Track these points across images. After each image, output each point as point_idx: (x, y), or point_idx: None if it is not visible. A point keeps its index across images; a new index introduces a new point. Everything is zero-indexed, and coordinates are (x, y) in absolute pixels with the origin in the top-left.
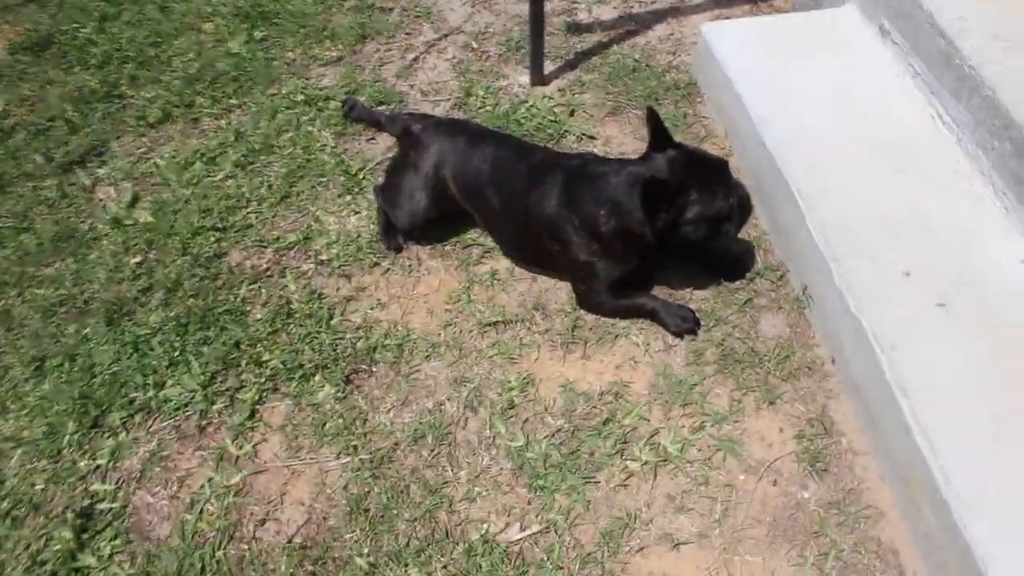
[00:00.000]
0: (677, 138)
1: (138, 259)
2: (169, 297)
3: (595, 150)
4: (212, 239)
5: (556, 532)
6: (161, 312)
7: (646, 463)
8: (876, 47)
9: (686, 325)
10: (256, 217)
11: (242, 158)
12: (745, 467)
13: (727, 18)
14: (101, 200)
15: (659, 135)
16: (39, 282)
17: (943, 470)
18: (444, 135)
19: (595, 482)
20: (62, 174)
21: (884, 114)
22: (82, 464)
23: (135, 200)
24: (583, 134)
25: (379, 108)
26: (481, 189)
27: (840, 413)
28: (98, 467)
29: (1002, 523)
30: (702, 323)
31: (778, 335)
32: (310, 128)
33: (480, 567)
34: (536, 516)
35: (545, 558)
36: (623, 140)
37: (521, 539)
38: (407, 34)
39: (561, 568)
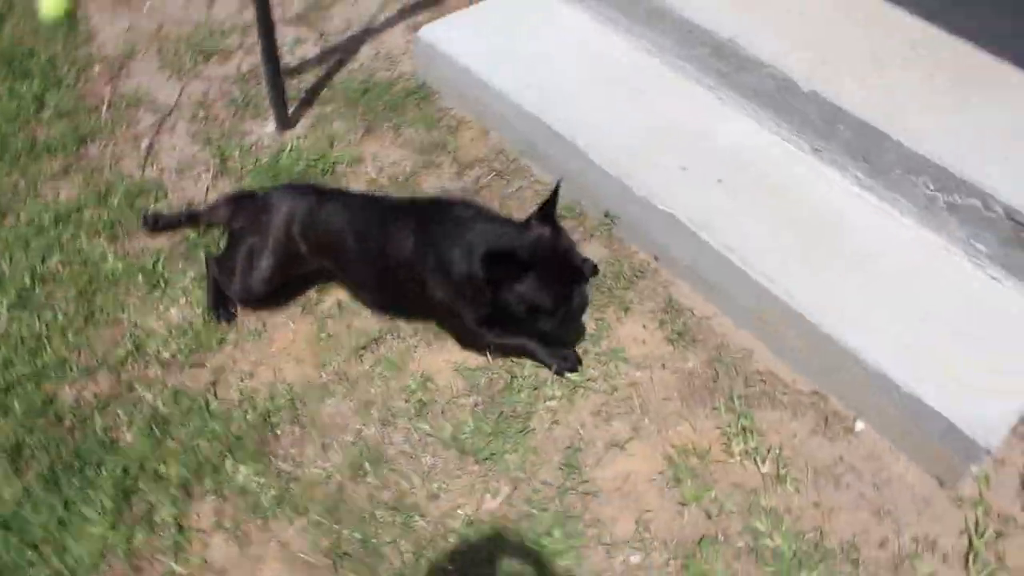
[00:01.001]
0: (433, 133)
1: None
2: (16, 463)
3: (367, 169)
4: (29, 388)
5: (525, 484)
6: (15, 481)
7: (561, 397)
8: (575, 8)
9: (567, 364)
10: (66, 348)
11: (16, 299)
12: (636, 365)
13: (420, 24)
14: None
15: (548, 208)
16: None
17: (786, 291)
18: (292, 194)
19: (531, 431)
20: None
21: (605, 55)
22: None
23: None
24: (352, 159)
25: (177, 211)
26: (340, 240)
27: (681, 295)
28: None
29: (837, 308)
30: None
31: (601, 257)
32: (77, 243)
33: (484, 537)
34: (499, 481)
35: (529, 507)
36: (388, 153)
37: (499, 505)
38: (127, 126)
39: (546, 509)
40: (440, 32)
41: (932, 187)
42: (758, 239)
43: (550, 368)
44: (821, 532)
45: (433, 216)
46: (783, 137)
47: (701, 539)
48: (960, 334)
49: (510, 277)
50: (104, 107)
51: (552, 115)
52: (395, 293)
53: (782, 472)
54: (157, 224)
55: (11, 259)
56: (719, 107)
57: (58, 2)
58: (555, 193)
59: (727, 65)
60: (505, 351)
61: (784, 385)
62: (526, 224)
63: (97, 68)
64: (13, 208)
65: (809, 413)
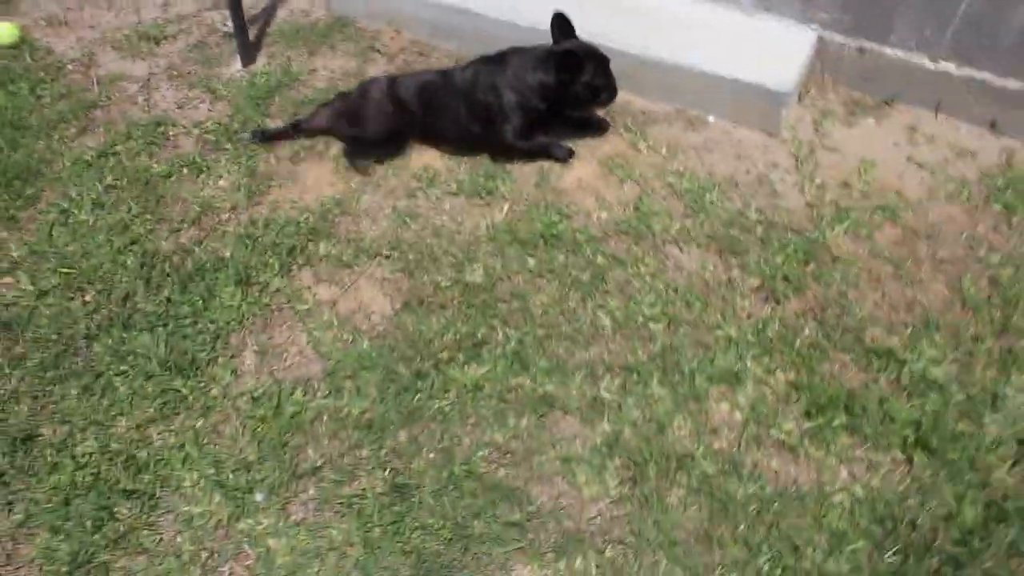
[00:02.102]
0: (360, 44)
1: None
2: (148, 285)
3: (322, 75)
4: (134, 247)
5: (517, 201)
6: (153, 295)
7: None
8: None
9: (569, 155)
10: (145, 225)
11: (92, 205)
12: None
13: None
14: None
15: (565, 31)
16: None
17: (648, 54)
18: (378, 78)
19: (512, 172)
20: None
21: None
22: None
23: None
24: (308, 71)
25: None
26: (422, 94)
27: None
28: None
29: (673, 48)
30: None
31: None
32: (123, 166)
33: (503, 233)
34: (500, 204)
35: (524, 211)
36: (332, 63)
37: (505, 215)
38: (118, 93)
39: (536, 208)
40: None
41: None
42: (619, 29)
43: (559, 158)
44: (710, 173)
45: (504, 54)
46: None
47: (639, 197)
48: (745, 46)
49: (575, 71)
50: (94, 85)
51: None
52: (467, 119)
53: (673, 153)
54: (265, 136)
55: (73, 184)
56: None
57: (10, 31)
58: (561, 18)
59: None
60: (530, 153)
61: (654, 112)
62: (558, 43)
63: (70, 66)
64: (54, 160)
65: (677, 121)
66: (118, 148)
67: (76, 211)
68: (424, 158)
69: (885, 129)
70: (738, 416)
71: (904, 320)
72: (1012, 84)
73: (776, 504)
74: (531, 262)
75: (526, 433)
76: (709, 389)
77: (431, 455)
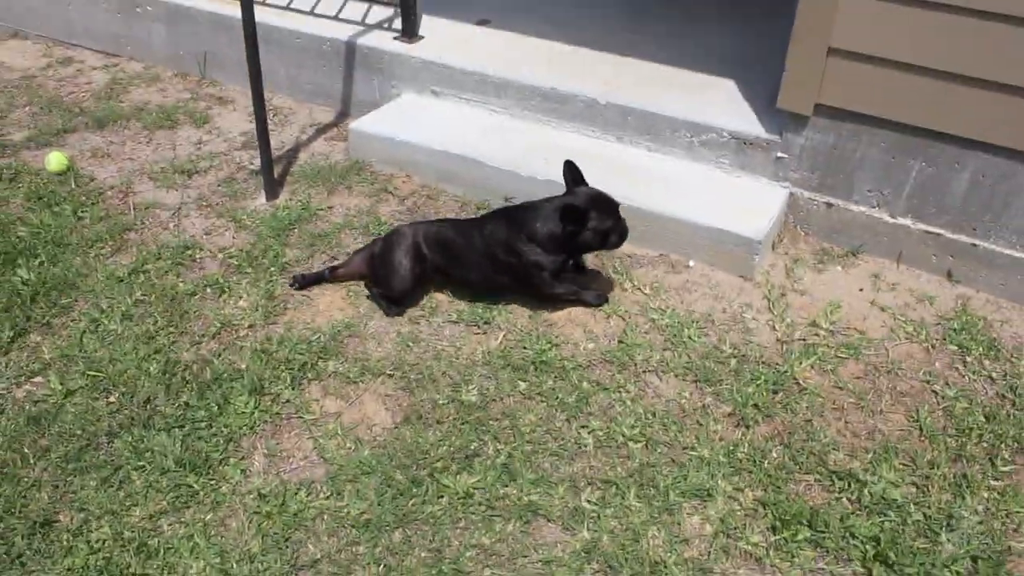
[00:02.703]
0: (375, 186)
1: None
2: (168, 392)
3: (337, 212)
4: (157, 357)
5: (511, 331)
6: (171, 400)
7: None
8: (444, 100)
9: (602, 300)
10: (168, 337)
11: (121, 318)
12: None
13: (340, 125)
14: None
15: (577, 179)
16: None
17: (634, 204)
18: (413, 224)
19: (509, 305)
20: None
21: (472, 117)
22: None
23: None
24: (325, 208)
25: (318, 270)
26: (452, 243)
27: None
28: None
29: (660, 202)
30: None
31: None
32: (151, 282)
33: (497, 359)
34: (496, 333)
35: (518, 342)
36: (348, 202)
37: (499, 343)
38: (151, 219)
39: (529, 337)
40: (365, 123)
41: (689, 135)
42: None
43: (591, 304)
44: (689, 310)
45: (515, 210)
46: (595, 136)
47: (623, 331)
48: (724, 200)
49: (579, 221)
50: (131, 210)
51: (453, 148)
52: (493, 272)
53: (656, 292)
54: (304, 281)
55: (105, 297)
56: (553, 130)
57: (59, 160)
58: (573, 168)
59: (553, 103)
60: (563, 299)
61: (640, 256)
62: (570, 191)
63: (108, 193)
64: (89, 275)
65: (661, 264)
66: (148, 267)
67: (106, 321)
68: (427, 289)
69: (851, 276)
70: (708, 528)
71: (865, 446)
72: (963, 239)
73: None
74: (522, 385)
75: (511, 537)
76: (682, 503)
77: (423, 554)
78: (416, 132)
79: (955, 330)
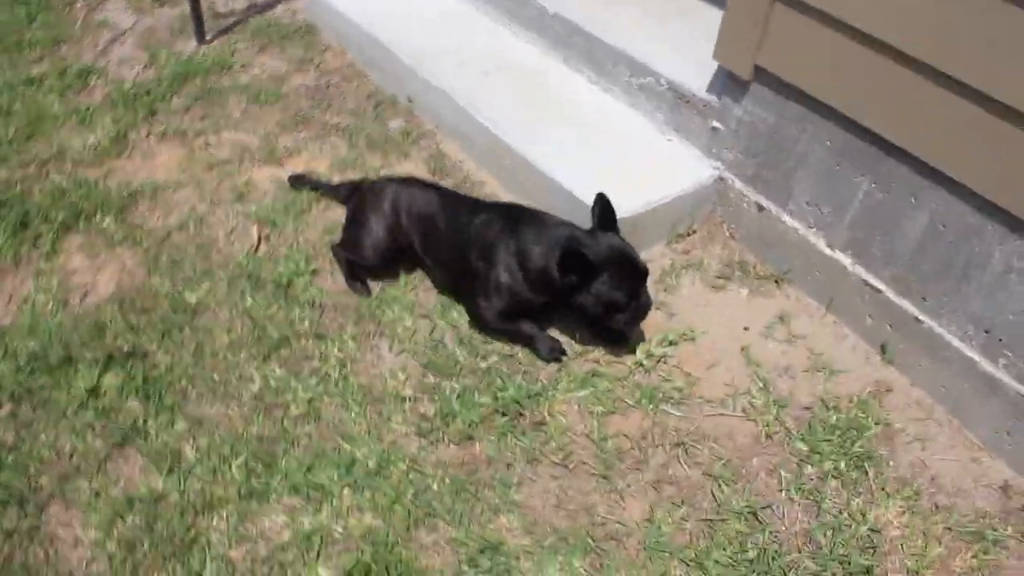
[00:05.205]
0: (308, 52)
1: None
2: None
3: (255, 71)
4: None
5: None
6: None
7: None
8: None
9: (555, 353)
10: (7, 151)
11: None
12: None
13: None
14: None
15: (606, 220)
16: None
17: (508, 139)
18: (396, 183)
19: None
20: None
21: (434, 7)
22: None
23: None
24: (244, 64)
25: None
26: (430, 219)
27: (449, 148)
28: None
29: (554, 155)
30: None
31: (401, 128)
32: (36, 96)
33: None
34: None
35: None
36: (272, 62)
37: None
38: (92, 37)
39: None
40: None
41: (628, 73)
42: (498, 107)
43: (541, 355)
44: None
45: (521, 215)
46: (542, 51)
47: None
48: (634, 164)
49: (581, 275)
50: (78, 24)
51: (383, 35)
52: (459, 269)
53: None
54: (299, 181)
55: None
56: (510, 34)
57: None
58: (605, 205)
59: (512, 2)
60: (509, 335)
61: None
62: (592, 232)
63: (79, 5)
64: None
65: None
66: (46, 82)
67: None
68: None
69: (752, 306)
70: None
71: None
72: (908, 307)
73: None
74: None
75: None
76: None
77: None
78: (362, 6)
79: (826, 426)
